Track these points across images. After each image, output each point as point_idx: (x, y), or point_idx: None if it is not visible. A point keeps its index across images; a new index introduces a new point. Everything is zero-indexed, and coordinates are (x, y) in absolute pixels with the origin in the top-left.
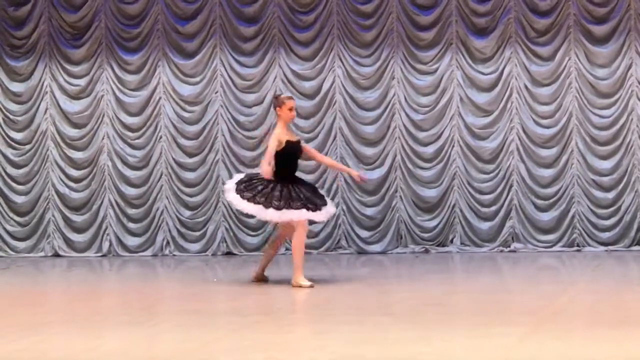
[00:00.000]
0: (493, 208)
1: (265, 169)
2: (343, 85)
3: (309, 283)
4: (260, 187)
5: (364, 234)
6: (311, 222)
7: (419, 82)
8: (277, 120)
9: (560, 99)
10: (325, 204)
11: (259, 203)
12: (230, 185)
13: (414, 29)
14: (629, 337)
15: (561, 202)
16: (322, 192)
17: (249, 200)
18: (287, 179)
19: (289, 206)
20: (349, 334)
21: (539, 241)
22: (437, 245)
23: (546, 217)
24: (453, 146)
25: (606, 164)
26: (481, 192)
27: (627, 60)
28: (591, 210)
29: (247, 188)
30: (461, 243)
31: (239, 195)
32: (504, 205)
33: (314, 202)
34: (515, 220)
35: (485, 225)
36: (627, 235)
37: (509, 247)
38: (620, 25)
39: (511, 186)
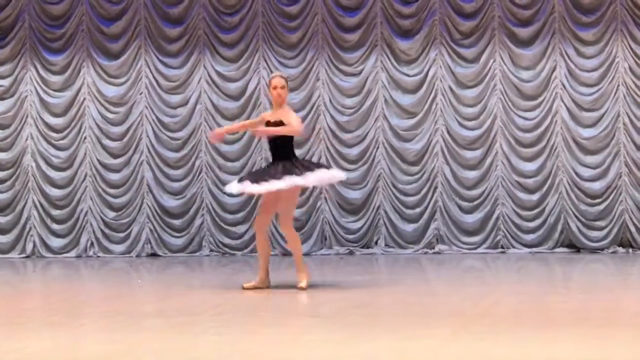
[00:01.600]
0: (417, 210)
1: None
2: (267, 87)
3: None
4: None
5: None
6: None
7: (344, 84)
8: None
9: (484, 101)
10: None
11: (255, 182)
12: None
13: (339, 31)
14: (552, 339)
15: (486, 204)
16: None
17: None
18: (282, 159)
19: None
20: (275, 336)
21: (463, 243)
22: (362, 247)
23: (470, 218)
24: (378, 148)
25: (530, 166)
26: (406, 194)
27: (552, 63)
28: (515, 212)
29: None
30: (386, 245)
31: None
32: (429, 207)
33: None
34: (439, 222)
35: (409, 227)
36: (551, 237)
37: (434, 248)
38: (544, 28)
39: (436, 188)
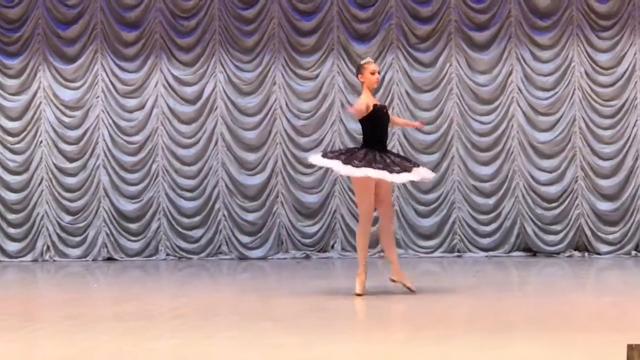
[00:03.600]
0: (374, 214)
1: (357, 107)
2: (224, 91)
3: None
4: (344, 150)
5: (245, 239)
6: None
7: (300, 88)
8: (362, 88)
9: (441, 105)
10: (416, 165)
11: (338, 159)
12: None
13: (295, 35)
14: (508, 342)
15: (442, 208)
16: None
17: (330, 158)
18: (377, 147)
19: (369, 166)
20: (231, 340)
21: (419, 247)
22: (318, 251)
23: (427, 222)
24: None
25: (487, 170)
26: None
27: (508, 67)
28: (472, 216)
29: (331, 151)
30: (342, 249)
31: (320, 155)
32: None
33: (402, 165)
34: (396, 226)
35: None
36: (507, 241)
37: None
38: (500, 32)
39: (392, 192)
